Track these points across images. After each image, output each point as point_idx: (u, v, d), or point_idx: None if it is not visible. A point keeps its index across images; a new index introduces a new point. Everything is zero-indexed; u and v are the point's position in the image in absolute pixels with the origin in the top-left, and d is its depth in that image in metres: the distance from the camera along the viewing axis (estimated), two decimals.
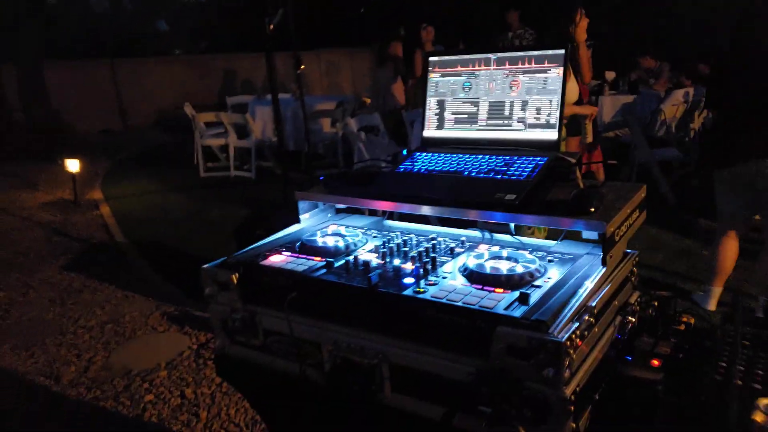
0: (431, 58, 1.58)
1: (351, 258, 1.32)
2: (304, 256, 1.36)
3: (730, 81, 3.00)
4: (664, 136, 6.24)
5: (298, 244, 1.43)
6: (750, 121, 2.89)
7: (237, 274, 1.32)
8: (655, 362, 1.18)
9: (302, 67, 3.76)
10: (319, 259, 1.33)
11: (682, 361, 1.20)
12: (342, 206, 1.62)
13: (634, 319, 1.28)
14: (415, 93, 6.59)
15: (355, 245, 1.41)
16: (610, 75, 8.66)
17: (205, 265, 1.38)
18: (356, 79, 12.27)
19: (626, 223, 1.28)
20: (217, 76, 12.33)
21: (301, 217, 1.59)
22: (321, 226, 1.59)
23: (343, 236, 1.46)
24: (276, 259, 1.35)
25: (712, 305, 3.27)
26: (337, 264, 1.29)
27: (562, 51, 1.40)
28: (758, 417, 0.95)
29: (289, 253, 1.38)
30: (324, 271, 1.27)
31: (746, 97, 2.90)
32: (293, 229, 1.58)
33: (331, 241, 1.42)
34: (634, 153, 5.52)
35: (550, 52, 1.41)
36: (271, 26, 3.16)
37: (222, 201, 6.11)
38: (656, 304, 1.36)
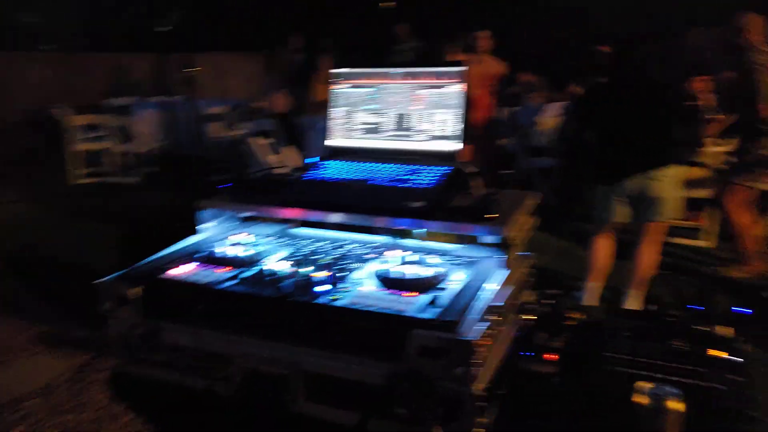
0: (337, 70, 1.60)
1: (260, 268, 1.30)
2: (211, 266, 1.33)
3: (607, 104, 3.33)
4: (543, 146, 6.69)
5: (202, 254, 1.39)
6: (628, 140, 3.24)
7: (137, 288, 1.26)
8: (551, 356, 1.28)
9: (198, 68, 3.63)
10: (226, 269, 1.30)
11: (574, 354, 1.31)
12: (247, 215, 1.59)
13: (532, 317, 1.37)
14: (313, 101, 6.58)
15: (264, 254, 1.40)
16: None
17: (102, 279, 1.30)
18: (249, 84, 12.00)
19: (522, 228, 1.37)
20: (99, 75, 11.49)
21: (203, 226, 1.55)
22: (224, 235, 1.55)
23: (251, 245, 1.44)
24: (180, 271, 1.30)
25: (593, 301, 3.57)
26: (246, 274, 1.27)
27: (465, 68, 1.48)
28: (640, 399, 1.05)
29: (195, 264, 1.34)
30: (233, 282, 1.24)
31: (623, 120, 3.24)
32: (194, 239, 1.53)
33: (238, 251, 1.39)
34: (518, 161, 5.89)
35: (453, 69, 1.49)
36: (161, 28, 3.03)
37: (100, 211, 5.72)
38: (550, 302, 1.46)
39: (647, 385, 1.08)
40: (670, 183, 3.24)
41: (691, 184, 4.83)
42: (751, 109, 3.89)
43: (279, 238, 1.55)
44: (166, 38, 3.20)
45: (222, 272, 1.29)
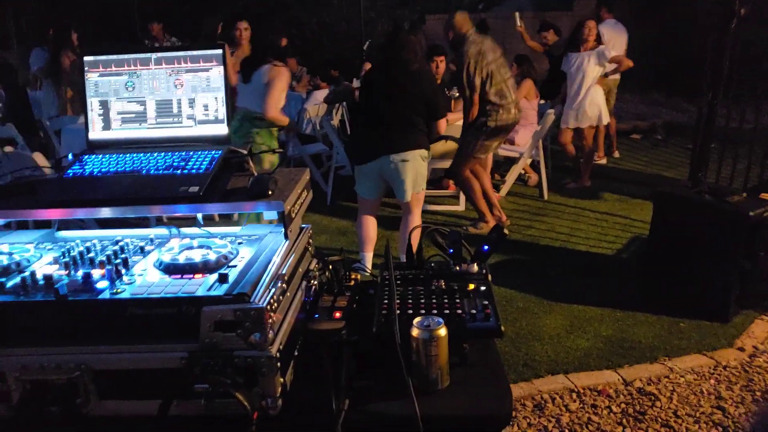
0: (87, 58, 1.52)
1: (26, 275, 1.20)
2: None
3: (363, 92, 3.64)
4: (311, 133, 6.94)
5: None
6: (374, 126, 3.60)
7: None
8: (337, 314, 1.41)
9: None
10: None
11: (356, 309, 1.46)
12: (1, 222, 1.44)
13: (315, 283, 1.49)
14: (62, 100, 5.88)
15: (28, 261, 1.29)
16: None
17: None
18: None
19: (299, 201, 1.47)
20: None
21: None
22: None
23: (8, 254, 1.31)
24: None
25: (369, 268, 3.88)
26: (10, 283, 1.16)
27: (220, 51, 1.51)
28: (414, 332, 1.23)
29: None
30: None
31: (372, 105, 3.56)
32: None
33: None
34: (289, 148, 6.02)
35: (209, 51, 1.51)
36: None
37: None
38: (330, 267, 1.60)
39: (418, 320, 1.26)
40: (411, 165, 3.64)
41: (441, 156, 5.50)
42: (465, 92, 4.60)
43: (42, 243, 1.43)
44: None
45: None
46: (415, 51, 3.67)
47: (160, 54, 1.52)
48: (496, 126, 4.59)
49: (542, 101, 6.47)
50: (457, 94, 5.95)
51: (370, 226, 3.90)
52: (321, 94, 7.10)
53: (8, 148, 4.32)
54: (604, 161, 6.95)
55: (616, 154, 7.27)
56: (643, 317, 3.52)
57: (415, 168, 3.64)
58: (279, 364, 1.14)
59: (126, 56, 1.52)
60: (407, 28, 3.65)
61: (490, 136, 4.64)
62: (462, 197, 5.50)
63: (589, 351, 3.19)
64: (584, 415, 2.68)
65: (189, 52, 1.51)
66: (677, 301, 3.57)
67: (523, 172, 6.11)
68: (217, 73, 1.51)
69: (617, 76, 6.47)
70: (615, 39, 6.44)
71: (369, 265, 3.90)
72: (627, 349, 3.20)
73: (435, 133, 3.77)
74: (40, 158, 3.87)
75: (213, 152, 1.47)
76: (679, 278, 3.61)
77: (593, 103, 5.79)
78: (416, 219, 3.83)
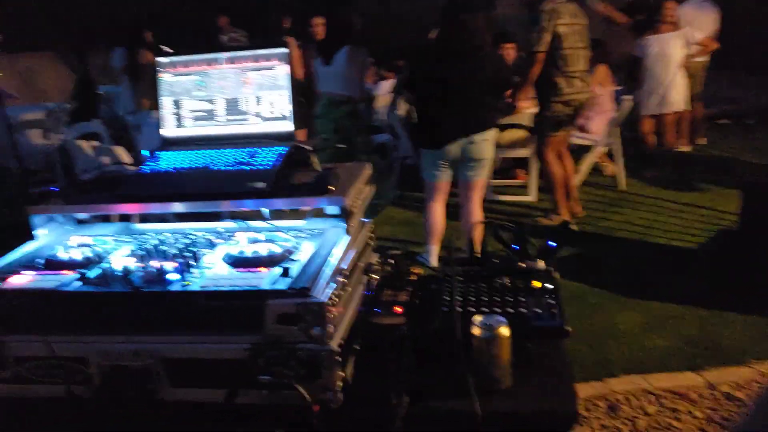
0: (160, 59, 1.59)
1: (106, 266, 1.28)
2: (52, 272, 1.28)
3: (427, 75, 3.56)
4: (378, 124, 6.97)
5: (40, 260, 1.33)
6: (451, 106, 3.50)
7: None
8: (398, 309, 1.41)
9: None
10: (70, 272, 1.26)
11: (417, 304, 1.46)
12: (84, 216, 1.54)
13: (377, 277, 1.50)
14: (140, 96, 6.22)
15: (108, 253, 1.37)
16: None
17: None
18: (64, 86, 10.93)
19: (360, 196, 1.49)
20: None
21: (37, 233, 1.47)
22: (63, 239, 1.48)
23: (90, 246, 1.40)
24: (19, 280, 1.24)
25: (434, 262, 3.85)
26: (91, 274, 1.25)
27: (286, 50, 1.54)
28: (475, 331, 1.22)
29: (34, 272, 1.28)
30: (79, 284, 1.21)
31: (441, 88, 3.49)
32: (29, 248, 1.45)
33: (78, 253, 1.35)
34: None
35: (275, 50, 1.54)
36: None
37: None
38: (392, 262, 1.60)
39: (479, 318, 1.25)
40: (488, 145, 3.59)
41: (511, 145, 5.38)
42: (546, 71, 4.38)
43: (121, 235, 1.52)
44: None
45: (66, 275, 1.25)
46: (476, 30, 3.54)
47: (228, 54, 1.57)
48: (560, 99, 4.36)
49: (619, 87, 6.19)
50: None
51: (439, 215, 3.83)
52: (387, 85, 7.11)
53: (95, 143, 4.61)
54: (688, 148, 6.56)
55: (703, 141, 6.85)
56: (730, 317, 3.30)
57: (491, 148, 3.60)
58: (339, 358, 1.16)
59: (197, 56, 1.58)
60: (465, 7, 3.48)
61: (559, 114, 4.45)
62: (533, 187, 5.37)
63: (669, 351, 3.03)
64: (663, 419, 2.55)
65: (256, 51, 1.56)
66: None
67: (598, 160, 5.89)
68: (282, 71, 1.55)
69: (705, 58, 6.09)
70: (700, 19, 6.05)
71: (435, 258, 3.86)
72: (712, 350, 3.02)
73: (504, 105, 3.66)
74: (121, 152, 4.10)
75: (279, 148, 1.51)
76: None
77: (678, 88, 5.48)
78: (479, 206, 3.77)
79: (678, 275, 3.85)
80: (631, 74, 6.16)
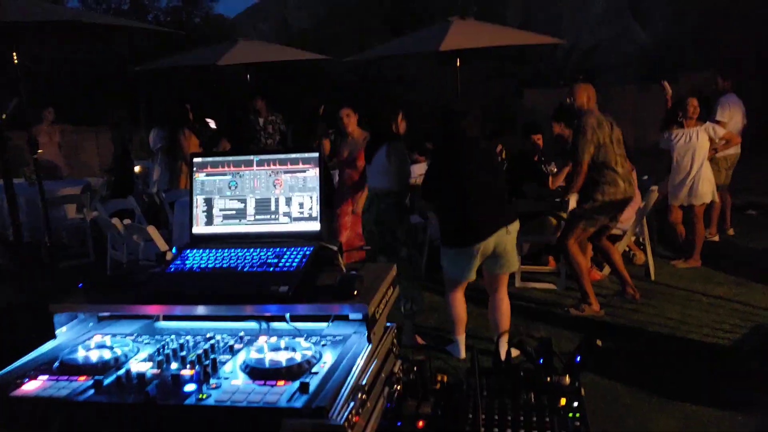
0: (195, 159, 1.63)
1: (122, 372, 1.25)
2: (66, 377, 1.25)
3: (446, 182, 3.62)
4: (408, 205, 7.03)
5: (56, 364, 1.32)
6: (480, 206, 3.54)
7: None
8: (420, 424, 1.35)
9: (40, 151, 3.45)
10: (84, 378, 1.24)
11: (440, 418, 1.40)
12: (107, 314, 1.53)
13: (399, 387, 1.45)
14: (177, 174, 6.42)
15: (126, 356, 1.35)
16: None
17: None
18: (103, 161, 11.36)
19: (383, 301, 1.46)
20: None
21: (58, 331, 1.46)
22: (82, 338, 1.47)
23: (110, 348, 1.38)
24: (31, 387, 1.22)
25: (462, 353, 3.77)
26: (106, 381, 1.22)
27: (317, 154, 1.58)
28: None
29: (47, 377, 1.26)
30: (92, 392, 1.18)
31: (465, 189, 3.54)
32: (49, 345, 1.44)
33: (95, 356, 1.33)
34: None
35: (307, 154, 1.58)
36: (3, 116, 2.87)
37: None
38: (416, 368, 1.55)
39: None
40: (514, 237, 3.60)
41: (539, 231, 5.35)
42: (578, 164, 4.46)
43: (142, 335, 1.50)
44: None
45: (81, 381, 1.23)
46: (474, 130, 3.64)
47: (261, 156, 1.61)
48: (603, 201, 4.46)
49: (645, 177, 6.19)
50: (555, 170, 5.81)
51: (462, 305, 3.84)
52: (419, 168, 7.22)
53: (127, 221, 4.72)
54: (716, 238, 6.46)
55: (731, 232, 6.72)
56: None
57: (515, 242, 3.64)
58: None
59: (231, 158, 1.62)
60: (460, 111, 3.65)
61: (598, 211, 4.50)
62: (563, 274, 5.27)
63: None
64: None
65: (288, 155, 1.59)
66: None
67: (627, 249, 5.79)
68: (313, 174, 1.58)
69: (734, 151, 6.11)
70: (735, 114, 6.17)
71: (463, 349, 3.80)
72: None
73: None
74: (153, 231, 4.18)
75: (305, 248, 1.51)
76: None
77: (706, 179, 5.48)
78: (507, 299, 3.75)
79: (713, 374, 3.67)
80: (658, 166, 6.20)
